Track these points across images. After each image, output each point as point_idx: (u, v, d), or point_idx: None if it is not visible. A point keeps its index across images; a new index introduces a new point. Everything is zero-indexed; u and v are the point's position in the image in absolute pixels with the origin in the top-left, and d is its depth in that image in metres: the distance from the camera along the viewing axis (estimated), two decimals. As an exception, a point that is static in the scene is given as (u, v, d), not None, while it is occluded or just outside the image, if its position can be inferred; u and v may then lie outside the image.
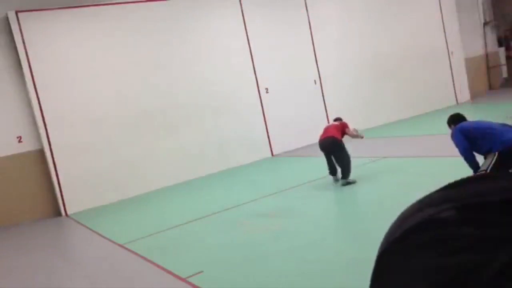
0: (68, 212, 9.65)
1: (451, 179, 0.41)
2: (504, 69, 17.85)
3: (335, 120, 8.55)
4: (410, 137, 11.22)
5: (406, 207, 0.40)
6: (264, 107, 12.08)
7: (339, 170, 7.81)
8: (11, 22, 9.37)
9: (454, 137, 5.41)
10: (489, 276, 0.31)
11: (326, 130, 8.00)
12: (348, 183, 7.59)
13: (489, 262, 0.31)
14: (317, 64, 13.03)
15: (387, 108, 14.05)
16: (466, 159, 5.26)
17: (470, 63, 16.23)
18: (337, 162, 7.74)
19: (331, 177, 7.99)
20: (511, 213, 0.33)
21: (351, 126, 8.22)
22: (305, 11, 12.91)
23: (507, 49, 17.76)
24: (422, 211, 0.37)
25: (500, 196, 0.35)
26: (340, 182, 7.72)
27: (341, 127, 8.02)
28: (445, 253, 0.33)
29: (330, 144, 7.74)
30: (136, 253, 6.06)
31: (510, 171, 0.40)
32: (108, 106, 10.16)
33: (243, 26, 11.92)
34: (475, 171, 5.26)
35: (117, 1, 10.41)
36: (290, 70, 12.52)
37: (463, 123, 5.47)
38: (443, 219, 0.35)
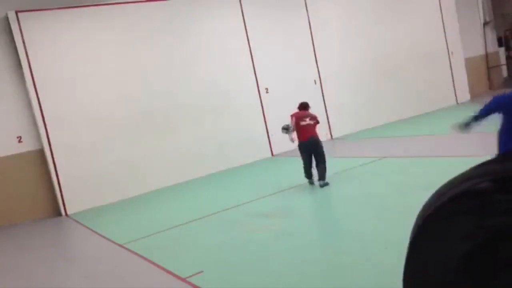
0: (68, 212, 9.65)
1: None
2: (504, 69, 17.85)
3: (304, 107, 8.30)
4: (410, 137, 11.23)
5: (425, 202, 0.43)
6: (264, 107, 12.08)
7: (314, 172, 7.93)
8: (11, 22, 9.37)
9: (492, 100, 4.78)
10: None
11: (307, 128, 7.90)
12: (326, 184, 7.66)
13: None
14: (317, 64, 13.03)
15: (387, 108, 14.05)
16: (480, 111, 4.83)
17: (470, 63, 16.23)
18: (321, 162, 7.75)
19: (307, 180, 8.08)
20: None
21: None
22: (305, 11, 12.92)
23: (507, 49, 17.76)
24: (460, 185, 0.41)
25: None
26: (320, 183, 7.73)
27: (316, 124, 8.03)
28: (482, 216, 0.37)
29: (315, 144, 7.80)
30: (136, 253, 6.06)
31: None
32: (108, 106, 10.17)
33: (243, 26, 11.92)
34: (467, 123, 5.00)
35: (117, 1, 10.41)
36: (290, 70, 12.52)
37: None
38: (480, 189, 0.40)
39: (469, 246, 0.34)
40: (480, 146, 8.91)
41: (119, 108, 10.27)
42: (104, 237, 7.25)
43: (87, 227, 8.18)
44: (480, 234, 0.34)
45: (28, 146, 9.66)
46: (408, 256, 0.42)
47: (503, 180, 0.37)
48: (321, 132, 8.29)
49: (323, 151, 7.82)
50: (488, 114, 4.80)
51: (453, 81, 15.49)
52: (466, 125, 5.02)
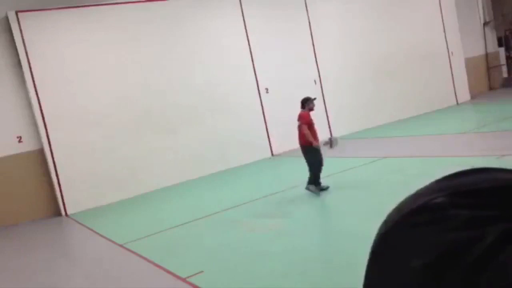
0: (68, 212, 9.65)
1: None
2: (504, 69, 17.85)
3: (301, 105, 7.66)
4: (410, 137, 11.22)
5: (388, 214, 0.44)
6: (264, 107, 12.08)
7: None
8: (11, 22, 9.37)
9: None
10: (480, 250, 0.34)
11: (298, 131, 7.44)
12: (309, 190, 7.39)
13: (480, 238, 0.35)
14: (317, 64, 13.03)
15: (387, 108, 14.05)
16: None
17: (470, 63, 16.23)
18: (309, 169, 7.40)
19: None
20: (498, 197, 0.38)
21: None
22: (305, 11, 12.92)
23: (507, 49, 17.76)
24: (417, 199, 0.41)
25: (488, 184, 0.40)
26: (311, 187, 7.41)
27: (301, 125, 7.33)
28: (440, 231, 0.37)
29: (302, 150, 7.43)
30: (136, 253, 6.06)
31: None
32: (108, 106, 10.16)
33: (243, 26, 11.92)
34: None
35: (117, 1, 10.41)
36: (290, 70, 12.52)
37: None
38: (436, 204, 0.39)
39: (424, 261, 0.36)
40: (481, 146, 8.92)
41: (119, 108, 10.27)
42: (104, 237, 7.25)
43: (87, 227, 8.18)
44: (434, 250, 0.36)
45: (28, 146, 9.66)
46: (368, 266, 0.43)
47: (456, 195, 0.39)
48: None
49: (309, 158, 7.29)
50: None
51: (453, 81, 15.49)
52: None
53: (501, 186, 0.40)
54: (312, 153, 7.21)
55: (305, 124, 7.24)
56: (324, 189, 7.43)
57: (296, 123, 7.54)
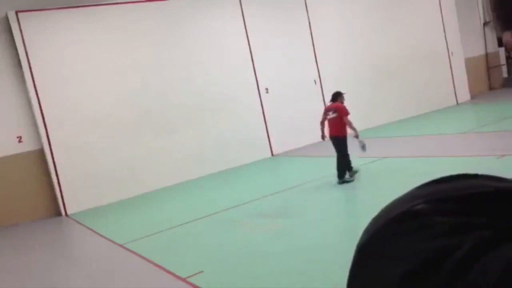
0: (68, 212, 9.65)
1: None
2: (504, 69, 17.85)
3: (333, 98, 7.99)
4: (410, 137, 11.22)
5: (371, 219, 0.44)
6: (264, 107, 12.08)
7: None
8: (11, 22, 9.37)
9: None
10: (460, 257, 0.34)
11: (330, 123, 7.76)
12: (343, 182, 7.65)
13: (459, 245, 0.35)
14: (317, 64, 13.03)
15: (387, 108, 14.05)
16: None
17: (470, 63, 16.23)
18: (339, 160, 7.71)
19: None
20: (478, 204, 0.38)
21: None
22: (305, 11, 12.91)
23: (507, 49, 17.76)
24: (398, 207, 0.40)
25: (473, 191, 0.40)
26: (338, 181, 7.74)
27: (339, 117, 7.64)
28: (421, 239, 0.37)
29: (334, 141, 7.74)
30: (136, 253, 6.06)
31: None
32: (108, 106, 10.16)
33: (243, 26, 11.92)
34: None
35: (117, 1, 10.41)
36: (290, 70, 12.52)
37: None
38: (416, 211, 0.40)
39: (405, 269, 0.36)
40: (481, 146, 8.91)
41: (119, 108, 10.27)
42: (104, 237, 7.25)
43: (87, 227, 8.18)
44: (415, 258, 0.36)
45: (28, 146, 9.66)
46: (350, 276, 0.44)
47: (438, 202, 0.39)
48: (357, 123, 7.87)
49: (342, 149, 7.60)
50: None
51: (453, 81, 15.49)
52: None
53: (487, 192, 0.40)
54: (346, 144, 7.59)
55: (346, 115, 7.57)
56: (357, 171, 7.77)
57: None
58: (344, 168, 7.68)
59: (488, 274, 0.32)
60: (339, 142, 7.65)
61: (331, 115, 7.71)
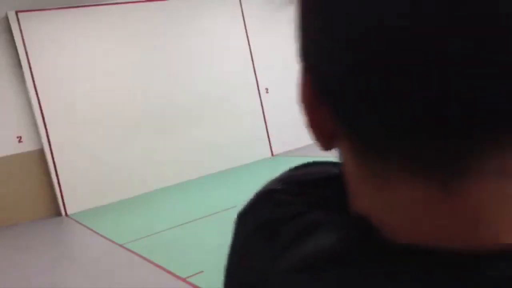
0: (68, 212, 9.65)
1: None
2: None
3: None
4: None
5: None
6: (264, 107, 12.09)
7: None
8: (11, 22, 9.38)
9: None
10: (292, 231, 0.44)
11: None
12: None
13: (299, 217, 0.44)
14: (317, 64, 13.03)
15: (387, 108, 14.05)
16: None
17: (470, 63, 16.25)
18: None
19: None
20: (318, 186, 0.49)
21: None
22: (305, 11, 12.91)
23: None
24: (263, 188, 0.57)
25: (312, 176, 0.51)
26: None
27: None
28: (272, 209, 0.50)
29: None
30: (136, 253, 6.06)
31: None
32: (108, 106, 10.17)
33: (243, 26, 11.93)
34: None
35: (117, 1, 10.42)
36: (290, 70, 12.52)
37: None
38: (270, 190, 0.54)
39: (255, 225, 0.50)
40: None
41: (119, 108, 10.28)
42: (104, 237, 7.25)
43: (87, 227, 8.18)
44: (259, 220, 0.50)
45: (28, 146, 9.66)
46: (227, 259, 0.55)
47: (290, 184, 0.53)
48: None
49: None
50: None
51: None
52: None
53: (329, 177, 0.50)
54: None
55: None
56: None
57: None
58: None
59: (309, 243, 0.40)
60: None
61: None
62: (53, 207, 9.74)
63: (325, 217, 0.42)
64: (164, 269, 5.27)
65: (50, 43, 9.73)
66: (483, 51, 0.29)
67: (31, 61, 9.51)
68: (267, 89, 12.18)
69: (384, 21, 0.31)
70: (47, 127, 9.61)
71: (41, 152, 9.70)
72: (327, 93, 0.38)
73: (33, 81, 9.51)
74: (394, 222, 0.36)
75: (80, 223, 8.67)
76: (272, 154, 12.11)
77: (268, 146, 12.10)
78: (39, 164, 9.72)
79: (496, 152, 0.32)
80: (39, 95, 9.55)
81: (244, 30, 11.95)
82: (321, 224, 0.42)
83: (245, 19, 11.97)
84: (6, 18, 9.43)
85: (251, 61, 12.01)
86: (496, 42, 0.29)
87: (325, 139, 0.42)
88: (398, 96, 0.31)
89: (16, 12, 9.41)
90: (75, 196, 9.72)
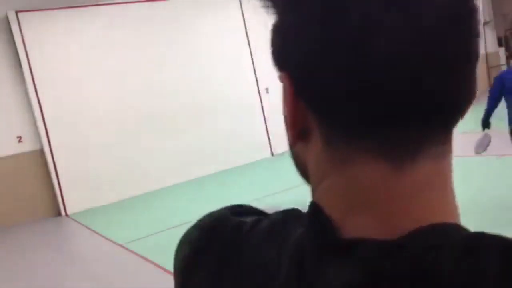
0: (68, 212, 9.65)
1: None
2: (504, 69, 17.83)
3: None
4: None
5: None
6: (264, 107, 12.08)
7: None
8: (11, 22, 9.37)
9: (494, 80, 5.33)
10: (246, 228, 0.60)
11: None
12: None
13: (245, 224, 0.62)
14: (317, 64, 13.02)
15: (387, 108, 14.05)
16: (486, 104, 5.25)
17: (470, 63, 16.21)
18: None
19: None
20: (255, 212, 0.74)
21: None
22: (305, 11, 12.91)
23: (507, 49, 17.76)
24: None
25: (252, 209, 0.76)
26: None
27: None
28: (234, 219, 0.66)
29: None
30: (136, 253, 6.06)
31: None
32: (108, 106, 10.16)
33: (243, 26, 11.92)
34: (483, 122, 5.29)
35: (117, 1, 10.41)
36: (290, 70, 12.51)
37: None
38: (223, 213, 0.76)
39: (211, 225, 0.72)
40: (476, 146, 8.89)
41: (119, 108, 10.27)
42: (104, 237, 7.25)
43: (87, 227, 8.18)
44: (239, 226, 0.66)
45: (28, 146, 9.66)
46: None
47: (234, 210, 0.73)
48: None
49: None
50: (496, 102, 5.19)
51: (453, 81, 15.47)
52: (484, 123, 5.28)
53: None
54: None
55: None
56: None
57: None
58: None
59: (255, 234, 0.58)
60: None
61: None
62: (53, 207, 9.74)
63: (284, 217, 0.61)
64: (164, 269, 5.27)
65: (50, 43, 9.73)
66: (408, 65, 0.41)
67: (31, 61, 9.50)
68: (267, 89, 12.16)
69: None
70: (47, 127, 9.60)
71: (41, 152, 9.70)
72: (307, 89, 0.49)
73: (33, 81, 9.51)
74: (345, 208, 0.46)
75: (80, 223, 8.66)
76: (272, 154, 12.11)
77: (268, 146, 12.09)
78: (39, 164, 9.71)
79: (437, 139, 0.44)
80: (39, 95, 9.55)
81: (244, 30, 11.95)
82: (283, 221, 0.60)
83: (245, 19, 11.96)
84: (6, 18, 9.43)
85: (251, 61, 12.00)
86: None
87: (296, 131, 0.51)
88: (376, 88, 0.41)
89: (16, 12, 9.40)
90: (75, 196, 9.71)
